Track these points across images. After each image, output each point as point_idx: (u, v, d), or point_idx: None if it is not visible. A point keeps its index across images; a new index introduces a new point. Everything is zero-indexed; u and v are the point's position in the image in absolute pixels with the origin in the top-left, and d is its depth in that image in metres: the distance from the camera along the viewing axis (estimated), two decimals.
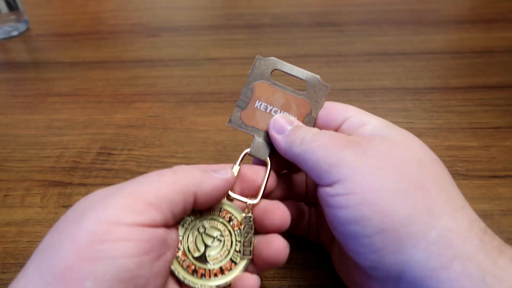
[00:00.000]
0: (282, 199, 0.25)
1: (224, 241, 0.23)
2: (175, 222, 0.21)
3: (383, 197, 0.19)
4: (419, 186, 0.19)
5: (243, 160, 0.25)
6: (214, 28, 0.63)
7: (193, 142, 0.39)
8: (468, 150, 0.37)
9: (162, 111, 0.44)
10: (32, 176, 0.37)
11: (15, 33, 0.62)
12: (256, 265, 0.23)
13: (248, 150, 0.25)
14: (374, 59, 0.51)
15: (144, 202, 0.18)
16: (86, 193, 0.20)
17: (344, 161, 0.20)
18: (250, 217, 0.23)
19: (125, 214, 0.18)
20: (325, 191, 0.20)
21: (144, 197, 0.19)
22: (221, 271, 0.22)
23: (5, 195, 0.35)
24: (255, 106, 0.26)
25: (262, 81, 0.26)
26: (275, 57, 0.26)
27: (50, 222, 0.32)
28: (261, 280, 0.27)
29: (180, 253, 0.22)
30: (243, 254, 0.23)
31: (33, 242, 0.31)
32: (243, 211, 0.23)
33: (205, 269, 0.22)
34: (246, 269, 0.23)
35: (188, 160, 0.37)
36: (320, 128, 0.25)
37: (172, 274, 0.22)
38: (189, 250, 0.22)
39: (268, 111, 0.26)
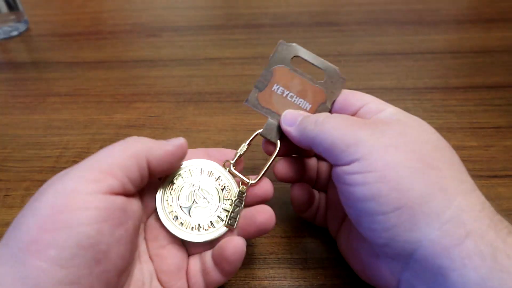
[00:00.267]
0: (294, 181, 0.27)
1: (211, 203, 0.25)
2: (135, 189, 0.21)
3: (400, 175, 0.20)
4: (434, 166, 0.20)
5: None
6: (214, 28, 0.63)
7: (193, 142, 0.39)
8: (468, 150, 0.37)
9: (162, 111, 0.44)
10: (32, 176, 0.37)
11: (15, 33, 0.62)
12: (245, 232, 0.24)
13: (260, 130, 0.26)
14: (374, 59, 0.51)
15: (98, 171, 0.19)
16: None
17: (362, 140, 0.21)
18: (244, 193, 0.25)
19: (82, 184, 0.19)
20: (342, 170, 0.21)
21: (98, 166, 0.19)
22: (198, 227, 0.24)
23: (5, 195, 0.35)
24: (273, 89, 0.26)
25: (282, 65, 0.26)
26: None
27: None
28: (261, 280, 0.27)
29: (170, 199, 0.24)
30: (228, 223, 0.24)
31: None
32: (239, 186, 0.25)
33: (185, 220, 0.24)
34: (219, 238, 0.24)
35: None
36: (336, 112, 0.26)
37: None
38: (178, 198, 0.25)
39: (284, 95, 0.26)
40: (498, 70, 0.49)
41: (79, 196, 0.18)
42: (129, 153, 0.21)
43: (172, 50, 0.57)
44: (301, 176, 0.27)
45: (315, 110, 0.26)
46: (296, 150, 0.27)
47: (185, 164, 0.26)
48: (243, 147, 0.26)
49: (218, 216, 0.25)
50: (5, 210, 0.33)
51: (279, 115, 0.26)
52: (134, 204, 0.22)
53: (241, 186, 0.25)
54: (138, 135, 0.40)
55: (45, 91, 0.49)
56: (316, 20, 0.63)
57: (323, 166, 0.28)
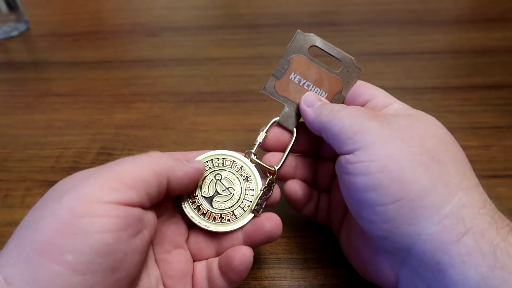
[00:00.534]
0: (291, 177, 0.27)
1: (233, 194, 0.25)
2: (150, 204, 0.21)
3: (402, 167, 0.20)
4: (438, 160, 0.20)
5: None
6: (214, 28, 0.63)
7: (193, 142, 0.39)
8: (468, 150, 0.36)
9: (162, 111, 0.44)
10: (32, 176, 0.37)
11: (15, 33, 0.62)
12: (253, 239, 0.24)
13: (277, 118, 0.27)
14: (374, 59, 0.51)
15: (121, 182, 0.19)
16: None
17: (368, 129, 0.21)
18: (273, 182, 0.26)
19: (103, 192, 0.18)
20: (345, 159, 0.21)
21: (121, 178, 0.19)
22: (220, 218, 0.25)
23: (5, 195, 0.35)
24: (290, 77, 0.27)
25: (299, 55, 0.27)
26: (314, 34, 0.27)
27: None
28: (261, 280, 0.27)
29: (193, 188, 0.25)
30: (254, 209, 0.25)
31: None
32: (267, 175, 0.26)
33: (207, 210, 0.25)
34: (244, 227, 0.25)
35: None
36: (346, 102, 0.27)
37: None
38: (201, 189, 0.25)
39: (301, 84, 0.27)
40: (498, 70, 0.49)
41: (100, 204, 0.18)
42: (153, 170, 0.21)
43: (172, 50, 0.57)
44: (298, 174, 0.28)
45: (331, 99, 0.27)
46: (309, 140, 0.28)
47: (207, 154, 0.26)
48: (262, 135, 0.27)
49: (240, 206, 0.25)
50: (5, 210, 0.33)
51: (296, 104, 0.27)
52: (150, 214, 0.21)
53: (270, 176, 0.26)
54: (138, 135, 0.41)
55: (45, 91, 0.49)
56: (316, 20, 0.63)
57: (327, 166, 0.28)
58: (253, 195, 0.25)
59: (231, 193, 0.25)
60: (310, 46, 0.27)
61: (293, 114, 0.27)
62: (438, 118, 0.23)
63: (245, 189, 0.25)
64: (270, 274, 0.28)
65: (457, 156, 0.21)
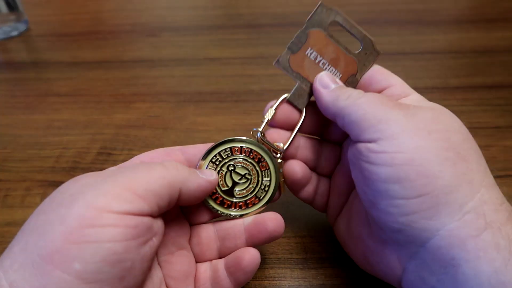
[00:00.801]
0: (292, 157, 0.26)
1: (251, 179, 0.25)
2: (160, 214, 0.21)
3: (430, 161, 0.19)
4: (463, 157, 0.19)
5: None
6: (214, 28, 0.63)
7: (193, 142, 0.39)
8: None
9: (162, 111, 0.44)
10: (32, 176, 0.37)
11: (15, 33, 0.62)
12: (256, 239, 0.24)
13: (287, 95, 0.26)
14: None
15: (133, 193, 0.19)
16: None
17: (393, 119, 0.20)
18: (281, 162, 0.26)
19: (114, 202, 0.18)
20: (367, 147, 0.20)
21: (134, 188, 0.19)
22: (246, 204, 0.25)
23: (5, 195, 0.35)
24: (306, 53, 0.25)
25: (318, 29, 0.25)
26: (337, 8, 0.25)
27: None
28: (261, 280, 0.27)
29: None
30: (276, 189, 0.25)
31: None
32: (275, 155, 0.25)
33: (231, 202, 0.25)
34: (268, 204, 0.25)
35: None
36: (359, 86, 0.25)
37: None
38: (218, 185, 0.25)
39: (317, 61, 0.25)
40: (498, 70, 0.49)
41: (111, 214, 0.18)
42: (166, 182, 0.20)
43: (172, 50, 0.57)
44: (298, 154, 0.27)
45: (344, 81, 0.25)
46: (316, 121, 0.26)
47: (214, 150, 0.25)
48: (270, 112, 0.26)
49: (261, 188, 0.25)
50: (5, 210, 0.33)
51: (309, 82, 0.25)
52: (159, 221, 0.21)
53: (279, 159, 0.25)
54: (138, 135, 0.41)
55: (45, 91, 0.49)
56: None
57: (331, 150, 0.27)
58: (269, 174, 0.25)
59: (248, 179, 0.25)
60: (331, 21, 0.25)
61: (304, 92, 0.25)
62: None
63: (261, 171, 0.25)
64: (270, 274, 0.28)
65: (478, 154, 0.21)
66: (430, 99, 0.22)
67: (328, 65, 0.25)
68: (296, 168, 0.26)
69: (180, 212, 0.25)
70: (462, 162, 0.19)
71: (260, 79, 0.49)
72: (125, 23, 0.65)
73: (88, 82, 0.50)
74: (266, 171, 0.25)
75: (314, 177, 0.27)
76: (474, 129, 0.21)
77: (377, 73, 0.25)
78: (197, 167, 0.25)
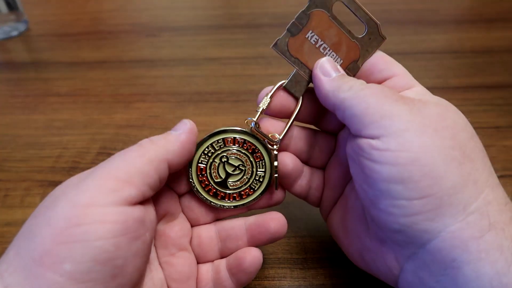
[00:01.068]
0: (284, 149, 0.25)
1: (245, 170, 0.25)
2: (153, 192, 0.20)
3: (435, 161, 0.18)
4: (469, 156, 0.19)
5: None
6: (214, 28, 0.63)
7: None
8: None
9: (161, 111, 0.44)
10: (32, 176, 0.36)
11: (14, 33, 0.62)
12: (257, 240, 0.24)
13: (283, 82, 0.24)
14: None
15: (115, 179, 0.18)
16: None
17: (398, 114, 0.19)
18: (277, 154, 0.25)
19: (98, 195, 0.18)
20: (370, 144, 0.19)
21: (115, 175, 0.19)
22: (240, 195, 0.25)
23: (5, 195, 0.35)
24: (306, 36, 0.23)
25: (322, 10, 0.23)
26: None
27: None
28: (261, 280, 0.27)
29: (203, 178, 0.24)
30: (273, 185, 0.25)
31: None
32: (271, 146, 0.24)
33: (225, 193, 0.25)
34: (263, 195, 0.25)
35: None
36: (360, 75, 0.24)
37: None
38: (211, 176, 0.24)
39: (317, 46, 0.24)
40: (498, 70, 0.49)
41: (96, 209, 0.17)
42: (147, 158, 0.20)
43: (172, 50, 0.57)
44: (291, 146, 0.26)
45: (345, 68, 0.24)
46: (312, 110, 0.25)
47: (207, 141, 0.25)
48: (266, 101, 0.24)
49: (255, 179, 0.25)
50: (5, 210, 0.33)
51: (307, 68, 0.24)
52: (151, 213, 0.21)
53: (274, 151, 0.24)
54: (138, 135, 0.41)
55: (45, 91, 0.49)
56: None
57: (326, 141, 0.26)
58: (264, 165, 0.25)
59: (242, 170, 0.25)
60: (336, 1, 0.23)
61: (302, 79, 0.24)
62: None
63: (255, 162, 0.25)
64: (270, 274, 0.28)
65: (483, 152, 0.20)
66: None
67: (329, 50, 0.24)
68: (287, 160, 0.24)
69: (180, 211, 0.25)
70: (468, 162, 0.18)
71: (260, 79, 0.49)
72: (125, 23, 0.65)
73: (88, 82, 0.50)
74: (260, 162, 0.25)
75: (307, 171, 0.26)
76: (474, 129, 0.21)
77: (380, 61, 0.24)
78: None
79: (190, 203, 0.25)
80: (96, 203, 0.17)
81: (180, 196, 0.25)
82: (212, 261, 0.25)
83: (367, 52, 0.24)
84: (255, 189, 0.25)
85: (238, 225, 0.24)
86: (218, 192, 0.24)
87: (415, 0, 0.68)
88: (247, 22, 0.64)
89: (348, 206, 0.24)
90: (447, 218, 0.18)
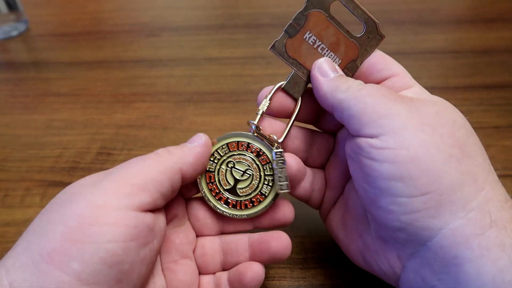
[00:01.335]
0: (283, 149, 0.25)
1: (253, 175, 0.24)
2: (165, 201, 0.21)
3: (434, 159, 0.18)
4: (468, 153, 0.19)
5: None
6: (214, 28, 0.63)
7: None
8: None
9: (161, 111, 0.44)
10: (31, 176, 0.36)
11: (14, 33, 0.62)
12: (258, 258, 0.23)
13: (282, 83, 0.24)
14: None
15: (131, 185, 0.19)
16: None
17: (396, 113, 0.19)
18: (281, 151, 0.23)
19: (113, 198, 0.18)
20: (368, 142, 0.19)
21: (131, 180, 0.19)
22: (251, 202, 0.24)
23: (5, 195, 0.35)
24: (304, 37, 0.23)
25: (319, 10, 0.23)
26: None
27: None
28: None
29: (213, 186, 0.24)
30: (281, 189, 0.23)
31: None
32: (272, 146, 0.24)
33: (236, 201, 0.24)
34: (275, 200, 0.24)
35: None
36: (359, 75, 0.24)
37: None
38: (220, 183, 0.24)
39: (315, 46, 0.24)
40: (498, 70, 0.49)
41: (109, 211, 0.17)
42: (162, 167, 0.20)
43: (172, 50, 0.57)
44: (294, 147, 0.26)
45: (343, 68, 0.24)
46: (310, 110, 0.25)
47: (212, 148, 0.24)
48: (265, 103, 0.24)
49: (265, 184, 0.24)
50: (5, 210, 0.33)
51: (306, 68, 0.24)
52: (161, 221, 0.21)
53: (275, 146, 0.24)
54: (138, 135, 0.41)
55: (44, 91, 0.49)
56: None
57: (324, 140, 0.26)
58: (272, 168, 0.24)
59: (250, 174, 0.24)
60: (333, 1, 0.23)
61: (301, 80, 0.24)
62: None
63: (262, 165, 0.24)
64: (270, 274, 0.28)
65: (482, 149, 0.20)
66: None
67: (327, 50, 0.24)
68: (291, 161, 0.24)
69: (187, 219, 0.24)
70: (467, 159, 0.19)
71: (260, 79, 0.49)
72: (125, 23, 0.65)
73: (88, 82, 0.50)
74: (267, 164, 0.24)
75: (309, 172, 0.26)
76: (474, 129, 0.21)
77: (380, 60, 0.24)
78: None
79: (197, 212, 0.25)
80: (111, 205, 0.18)
81: (187, 201, 0.25)
82: (214, 273, 0.24)
83: (365, 51, 0.24)
84: (266, 194, 0.24)
85: (242, 240, 0.24)
86: (230, 200, 0.24)
87: (415, 0, 0.68)
88: (247, 22, 0.64)
89: (348, 206, 0.24)
90: (447, 215, 0.18)
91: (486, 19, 0.61)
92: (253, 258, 0.23)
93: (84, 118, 0.44)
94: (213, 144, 0.24)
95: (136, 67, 0.53)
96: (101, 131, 0.42)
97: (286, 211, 0.24)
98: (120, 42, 0.60)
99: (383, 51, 0.25)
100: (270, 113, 0.25)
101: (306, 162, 0.26)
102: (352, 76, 0.24)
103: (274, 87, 0.24)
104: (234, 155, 0.24)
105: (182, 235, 0.24)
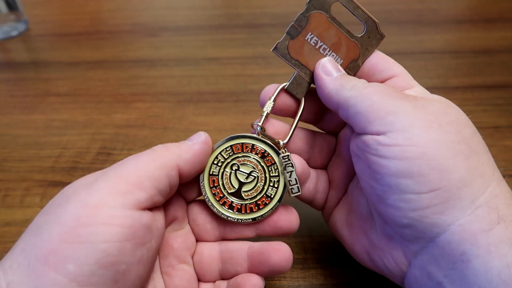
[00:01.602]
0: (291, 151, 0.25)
1: (258, 177, 0.24)
2: (164, 199, 0.21)
3: (443, 155, 0.18)
4: (474, 150, 0.19)
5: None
6: (213, 28, 0.63)
7: None
8: None
9: (161, 111, 0.44)
10: (31, 176, 0.36)
11: (14, 33, 0.62)
12: (257, 270, 0.23)
13: (285, 84, 0.24)
14: None
15: (126, 183, 0.18)
16: None
17: (403, 110, 0.19)
18: (288, 155, 0.23)
19: (108, 197, 0.18)
20: (376, 140, 0.19)
21: (126, 178, 0.19)
22: (257, 205, 0.23)
23: (4, 195, 0.35)
24: (306, 38, 0.24)
25: (320, 12, 0.23)
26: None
27: None
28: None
29: (217, 190, 0.23)
30: (292, 193, 0.23)
31: None
32: (277, 147, 0.24)
33: (241, 204, 0.23)
34: (281, 202, 0.23)
35: None
36: (361, 75, 0.24)
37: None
38: (224, 187, 0.23)
39: (317, 47, 0.24)
40: (498, 70, 0.49)
41: (105, 210, 0.17)
42: (158, 163, 0.20)
43: (171, 50, 0.57)
44: (297, 148, 0.26)
45: (345, 67, 0.24)
46: (313, 110, 0.25)
47: (216, 150, 0.24)
48: (269, 105, 0.24)
49: (270, 185, 0.23)
50: (5, 210, 0.33)
51: (308, 69, 0.24)
52: (159, 221, 0.21)
53: (281, 150, 0.23)
54: (138, 135, 0.41)
55: (44, 91, 0.49)
56: None
57: (326, 140, 0.26)
58: (277, 169, 0.24)
59: (255, 177, 0.24)
60: (334, 2, 0.23)
61: (303, 81, 0.24)
62: None
63: (267, 166, 0.24)
64: None
65: (486, 148, 0.20)
66: None
67: (329, 51, 0.24)
68: (296, 162, 0.24)
69: (187, 223, 0.24)
70: (474, 156, 0.19)
71: (260, 79, 0.49)
72: (125, 23, 0.65)
73: (88, 82, 0.50)
74: (272, 166, 0.24)
75: (313, 173, 0.26)
76: None
77: (381, 61, 0.24)
78: None
79: (196, 216, 0.24)
80: (105, 204, 0.17)
81: (188, 204, 0.25)
82: (213, 281, 0.24)
83: (366, 50, 0.24)
84: (272, 196, 0.23)
85: (241, 250, 0.23)
86: (234, 204, 0.23)
87: (415, 0, 0.68)
88: (247, 22, 0.64)
89: (352, 205, 0.24)
90: (456, 211, 0.18)
91: (486, 19, 0.61)
92: (252, 269, 0.23)
93: (84, 118, 0.44)
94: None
95: (136, 67, 0.53)
96: (101, 131, 0.42)
97: (291, 219, 0.24)
98: (120, 42, 0.60)
99: (383, 51, 0.25)
100: (273, 113, 0.25)
101: (308, 163, 0.26)
102: (354, 75, 0.24)
103: (277, 88, 0.24)
104: (238, 157, 0.24)
105: (180, 239, 0.23)
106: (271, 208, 0.23)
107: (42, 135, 0.42)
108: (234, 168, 0.24)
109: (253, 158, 0.24)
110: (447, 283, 0.18)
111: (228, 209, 0.23)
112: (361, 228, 0.23)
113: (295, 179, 0.23)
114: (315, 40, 0.24)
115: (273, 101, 0.24)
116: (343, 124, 0.26)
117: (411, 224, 0.19)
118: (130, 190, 0.18)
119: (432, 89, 0.23)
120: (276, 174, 0.24)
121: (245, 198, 0.23)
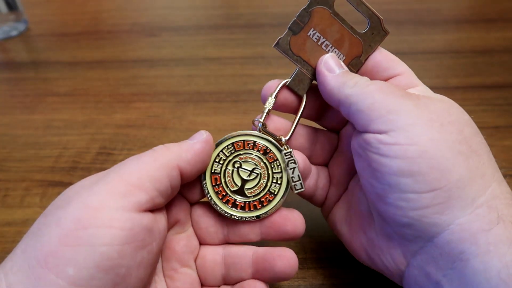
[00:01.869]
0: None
1: (261, 174, 0.23)
2: (165, 201, 0.20)
3: (443, 154, 0.18)
4: (475, 150, 0.19)
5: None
6: (213, 27, 0.63)
7: None
8: None
9: (161, 111, 0.44)
10: (31, 176, 0.36)
11: (14, 33, 0.62)
12: (261, 277, 0.22)
13: (287, 81, 0.24)
14: None
15: (127, 184, 0.18)
16: None
17: (405, 109, 0.19)
18: (290, 151, 0.23)
19: (108, 199, 0.17)
20: (377, 138, 0.19)
21: (127, 179, 0.18)
22: (260, 202, 0.23)
23: (4, 195, 0.35)
24: (308, 34, 0.23)
25: (323, 7, 0.23)
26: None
27: None
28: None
29: (220, 188, 0.23)
30: (295, 189, 0.23)
31: None
32: (279, 144, 0.23)
33: (244, 202, 0.23)
34: (285, 198, 0.23)
35: None
36: (365, 73, 0.24)
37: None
38: (227, 185, 0.23)
39: (319, 43, 0.24)
40: (497, 70, 0.49)
41: (105, 212, 0.17)
42: (159, 164, 0.19)
43: (171, 50, 0.57)
44: (298, 144, 0.26)
45: (348, 64, 0.24)
46: (314, 107, 0.25)
47: (216, 148, 0.24)
48: (271, 101, 0.24)
49: (273, 182, 0.23)
50: (4, 210, 0.33)
51: (310, 66, 0.24)
52: (161, 223, 0.20)
53: (283, 147, 0.23)
54: (138, 135, 0.41)
55: (44, 91, 0.49)
56: None
57: (327, 137, 0.26)
58: (280, 165, 0.23)
59: (257, 174, 0.23)
60: None
61: (305, 77, 0.24)
62: None
63: (269, 163, 0.23)
64: None
65: (487, 148, 0.20)
66: None
67: (331, 47, 0.24)
68: (297, 159, 0.24)
69: (190, 225, 0.24)
70: (475, 156, 0.19)
71: (260, 79, 0.49)
72: (125, 23, 0.65)
73: (88, 82, 0.50)
74: (275, 162, 0.23)
75: (314, 170, 0.26)
76: None
77: (385, 59, 0.24)
78: None
79: (199, 218, 0.24)
80: (106, 206, 0.17)
81: (191, 206, 0.24)
82: (216, 286, 0.23)
83: (370, 47, 0.24)
84: (276, 193, 0.23)
85: (245, 255, 0.23)
86: (237, 203, 0.23)
87: (415, 0, 0.68)
88: (247, 22, 0.64)
89: (352, 202, 0.24)
90: (456, 211, 0.18)
91: (486, 19, 0.61)
92: (256, 275, 0.22)
93: (83, 118, 0.44)
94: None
95: (135, 67, 0.53)
96: (101, 131, 0.42)
97: (296, 223, 0.23)
98: (119, 42, 0.60)
99: None
100: (275, 110, 0.25)
101: (309, 159, 0.26)
102: (356, 73, 0.24)
103: (279, 84, 0.24)
104: (240, 154, 0.23)
105: (183, 243, 0.23)
106: (275, 205, 0.23)
107: (42, 135, 0.42)
108: (236, 165, 0.23)
109: (255, 155, 0.24)
110: (445, 283, 0.18)
111: (231, 207, 0.23)
112: (360, 226, 0.23)
113: (298, 175, 0.23)
114: (318, 36, 0.23)
115: (274, 98, 0.24)
116: (345, 121, 0.26)
117: (410, 224, 0.19)
118: (130, 191, 0.18)
119: (432, 89, 0.23)
120: (279, 170, 0.23)
121: (249, 195, 0.23)
